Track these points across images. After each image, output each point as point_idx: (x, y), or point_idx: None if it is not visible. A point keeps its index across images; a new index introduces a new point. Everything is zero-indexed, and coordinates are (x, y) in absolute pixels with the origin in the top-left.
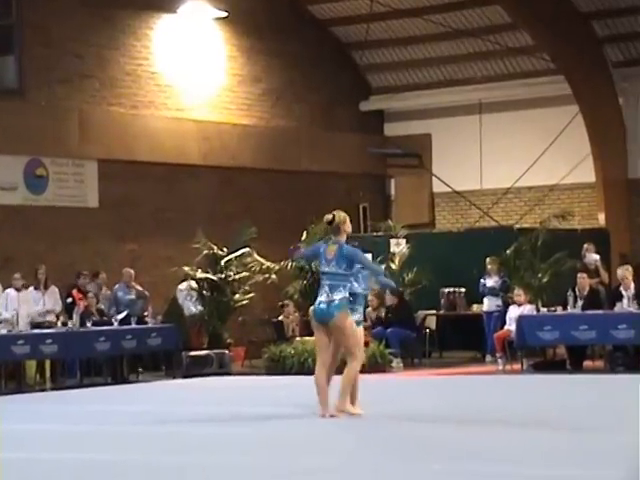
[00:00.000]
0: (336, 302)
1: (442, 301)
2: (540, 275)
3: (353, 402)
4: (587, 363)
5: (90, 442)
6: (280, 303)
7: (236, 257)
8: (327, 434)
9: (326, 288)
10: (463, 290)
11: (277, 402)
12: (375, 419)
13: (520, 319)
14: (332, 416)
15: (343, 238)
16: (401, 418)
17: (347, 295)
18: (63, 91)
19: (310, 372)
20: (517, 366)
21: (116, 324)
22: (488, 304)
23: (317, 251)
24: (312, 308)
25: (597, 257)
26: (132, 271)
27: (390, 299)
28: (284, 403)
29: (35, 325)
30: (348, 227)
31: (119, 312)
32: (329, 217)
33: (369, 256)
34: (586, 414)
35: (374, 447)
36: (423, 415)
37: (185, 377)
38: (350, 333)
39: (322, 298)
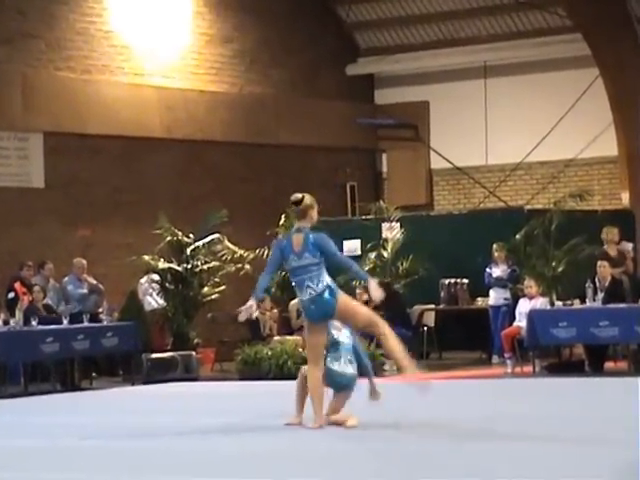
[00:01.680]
0: (326, 292)
1: (442, 294)
2: (554, 264)
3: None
4: (608, 364)
5: (33, 459)
6: None
7: (204, 245)
8: (315, 449)
9: (307, 283)
10: (466, 281)
11: (252, 412)
12: (364, 431)
13: (532, 314)
14: (321, 426)
15: (308, 225)
16: (392, 429)
17: (328, 276)
18: (3, 53)
19: (290, 377)
20: (528, 368)
21: (66, 322)
22: (495, 297)
23: (280, 251)
24: (301, 311)
25: (631, 245)
26: (84, 261)
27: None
28: (261, 413)
29: None
30: (315, 214)
31: (69, 308)
32: (298, 196)
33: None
34: (607, 423)
35: (362, 463)
36: (418, 426)
37: (146, 383)
38: (356, 306)
39: (307, 297)
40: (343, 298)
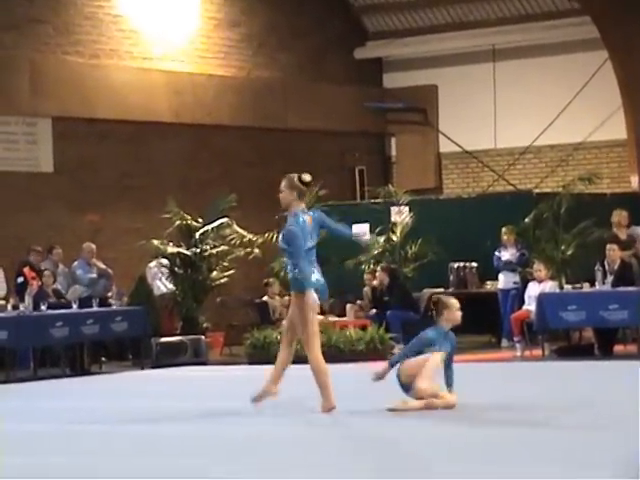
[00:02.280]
0: (322, 279)
1: (451, 278)
2: (563, 247)
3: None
4: (618, 348)
5: (42, 444)
6: (264, 281)
7: (213, 229)
8: (325, 435)
9: (315, 264)
10: (475, 265)
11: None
12: (373, 415)
13: (541, 298)
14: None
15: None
16: (401, 414)
17: None
18: (11, 39)
19: (299, 361)
20: (537, 352)
21: (75, 307)
22: (504, 281)
23: (301, 229)
24: (312, 285)
25: None
26: (93, 246)
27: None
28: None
29: None
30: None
31: (77, 290)
32: (309, 177)
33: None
34: (617, 407)
35: (368, 449)
36: (425, 410)
37: (155, 367)
38: None
39: (318, 275)
40: None
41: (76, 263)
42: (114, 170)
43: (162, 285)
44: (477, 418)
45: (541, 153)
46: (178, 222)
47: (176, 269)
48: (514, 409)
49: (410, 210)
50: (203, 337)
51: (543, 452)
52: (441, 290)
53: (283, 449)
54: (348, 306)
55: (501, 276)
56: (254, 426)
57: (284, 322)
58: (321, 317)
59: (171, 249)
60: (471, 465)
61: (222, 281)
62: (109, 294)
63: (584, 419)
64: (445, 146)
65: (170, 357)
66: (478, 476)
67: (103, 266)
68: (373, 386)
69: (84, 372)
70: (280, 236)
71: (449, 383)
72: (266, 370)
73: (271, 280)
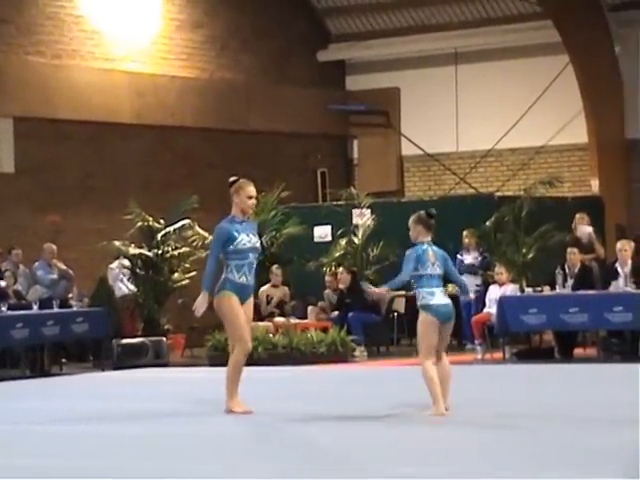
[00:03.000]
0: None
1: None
2: (524, 250)
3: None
4: (578, 351)
5: (2, 445)
6: None
7: (175, 230)
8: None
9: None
10: None
11: (221, 398)
12: (333, 419)
13: (502, 301)
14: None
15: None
16: (366, 417)
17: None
18: None
19: (261, 363)
20: (498, 354)
21: (36, 308)
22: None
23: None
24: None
25: (590, 229)
26: (54, 246)
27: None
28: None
29: None
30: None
31: (39, 294)
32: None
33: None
34: (577, 408)
35: (334, 451)
36: (388, 414)
37: (116, 369)
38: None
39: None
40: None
41: (37, 264)
42: (76, 171)
43: (123, 286)
44: (436, 419)
45: (502, 156)
46: (140, 223)
47: (138, 270)
48: (475, 411)
49: (372, 213)
50: (164, 339)
51: (502, 452)
52: (402, 293)
53: (245, 448)
54: (310, 308)
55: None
56: (215, 426)
57: None
58: (282, 319)
59: (133, 250)
60: (424, 468)
61: (184, 283)
62: (70, 295)
63: (547, 421)
64: (407, 149)
65: (131, 359)
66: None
67: (64, 267)
68: (335, 388)
69: (44, 373)
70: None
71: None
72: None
73: None
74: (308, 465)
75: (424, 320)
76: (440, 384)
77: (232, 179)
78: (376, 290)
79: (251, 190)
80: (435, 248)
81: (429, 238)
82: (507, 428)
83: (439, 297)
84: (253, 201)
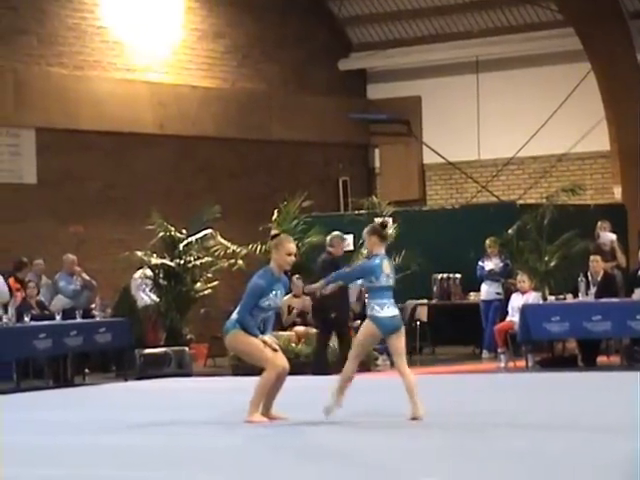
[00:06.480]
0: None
1: (434, 289)
2: (547, 258)
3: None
4: (601, 359)
5: (26, 456)
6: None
7: (197, 240)
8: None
9: None
10: (458, 276)
11: (245, 408)
12: (354, 426)
13: (524, 309)
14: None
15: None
16: (386, 425)
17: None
18: None
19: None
20: (521, 363)
21: (58, 318)
22: (486, 291)
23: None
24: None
25: (613, 237)
26: (74, 257)
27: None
28: None
29: None
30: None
31: (62, 304)
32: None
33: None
34: (599, 417)
35: (355, 457)
36: (406, 422)
37: (139, 379)
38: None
39: None
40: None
41: (59, 275)
42: (98, 181)
43: (146, 296)
44: (460, 427)
45: (524, 164)
46: (162, 233)
47: (160, 280)
48: (499, 419)
49: (394, 221)
50: (187, 348)
51: (528, 460)
52: (425, 301)
53: (264, 458)
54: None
55: (484, 287)
56: (235, 436)
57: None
58: (304, 329)
59: (155, 260)
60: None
61: (206, 292)
62: (92, 305)
63: (571, 428)
64: (429, 157)
65: (154, 368)
66: None
67: (87, 277)
68: (357, 397)
69: (67, 384)
70: None
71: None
72: (250, 382)
73: None
74: (332, 475)
75: (367, 329)
76: (408, 394)
77: (273, 233)
78: (312, 286)
79: (291, 247)
80: (387, 260)
81: (383, 249)
82: (522, 435)
83: (387, 310)
84: (292, 258)
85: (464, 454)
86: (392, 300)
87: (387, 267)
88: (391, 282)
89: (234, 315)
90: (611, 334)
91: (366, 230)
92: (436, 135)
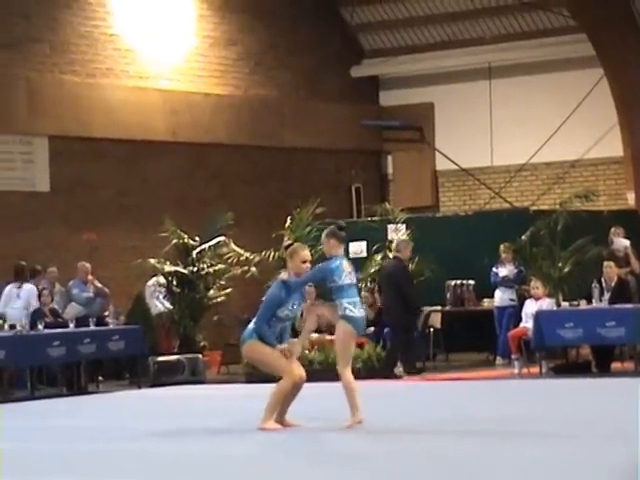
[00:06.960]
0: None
1: (448, 295)
2: (560, 264)
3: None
4: (615, 365)
5: (39, 463)
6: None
7: (210, 247)
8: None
9: None
10: (472, 282)
11: (258, 415)
12: (371, 432)
13: (538, 315)
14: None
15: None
16: (395, 431)
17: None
18: (7, 57)
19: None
20: (535, 369)
21: (72, 326)
22: (500, 297)
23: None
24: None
25: (627, 243)
26: (87, 264)
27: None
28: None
29: None
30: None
31: (75, 312)
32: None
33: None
34: (614, 423)
35: (370, 463)
36: (421, 428)
37: (152, 386)
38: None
39: None
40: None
41: (72, 282)
42: (111, 189)
43: (159, 304)
44: (473, 433)
45: (537, 170)
46: (175, 241)
47: (173, 288)
48: (513, 425)
49: (407, 228)
50: (200, 356)
51: (541, 465)
52: (438, 308)
53: (280, 466)
54: None
55: (497, 293)
56: (248, 444)
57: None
58: (317, 335)
59: (168, 268)
60: None
61: (219, 300)
62: (106, 313)
63: (585, 434)
64: (441, 164)
65: (167, 376)
66: None
67: (100, 285)
68: (371, 404)
69: (81, 391)
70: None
71: None
72: (264, 388)
73: None
74: None
75: (345, 331)
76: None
77: (287, 243)
78: (300, 337)
79: (305, 254)
80: (347, 260)
81: (341, 250)
82: (537, 442)
83: (359, 309)
84: (307, 265)
85: (478, 461)
86: (360, 298)
87: (347, 266)
88: (354, 280)
89: (251, 325)
90: (625, 340)
91: (325, 233)
92: (449, 141)
